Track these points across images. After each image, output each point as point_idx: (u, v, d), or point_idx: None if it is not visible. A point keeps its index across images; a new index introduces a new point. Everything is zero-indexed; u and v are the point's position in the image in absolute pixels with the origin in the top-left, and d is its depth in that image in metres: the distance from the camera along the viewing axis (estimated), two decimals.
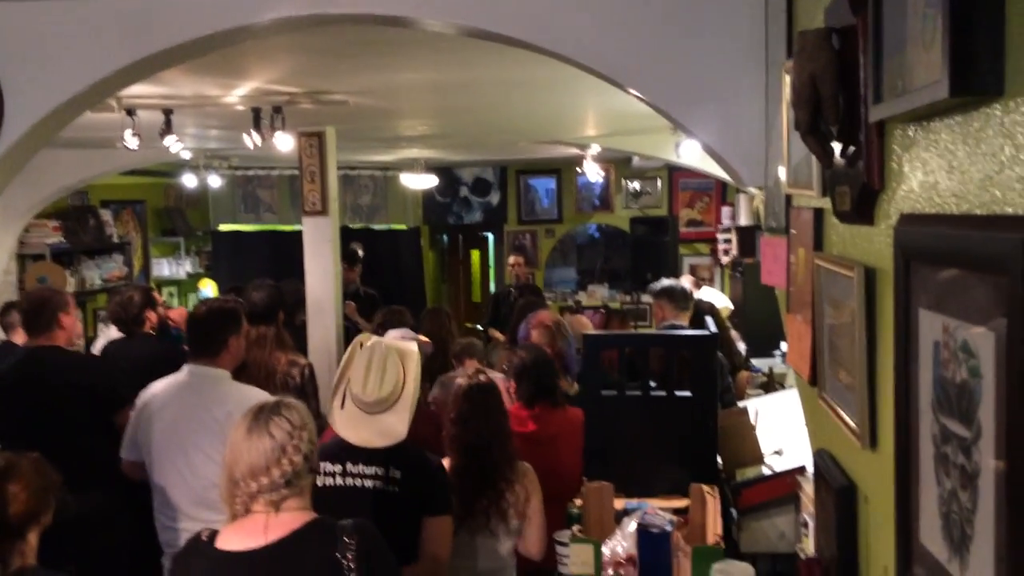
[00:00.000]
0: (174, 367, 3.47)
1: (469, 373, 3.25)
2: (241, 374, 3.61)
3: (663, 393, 3.42)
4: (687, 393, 3.39)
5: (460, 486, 2.92)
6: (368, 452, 2.65)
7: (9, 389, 3.88)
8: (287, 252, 9.41)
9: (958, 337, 1.11)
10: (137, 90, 4.43)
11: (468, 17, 2.60)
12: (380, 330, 4.42)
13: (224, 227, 10.66)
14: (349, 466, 2.66)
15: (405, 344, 2.87)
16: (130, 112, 4.84)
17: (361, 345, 2.80)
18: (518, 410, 3.52)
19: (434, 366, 5.01)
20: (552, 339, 4.24)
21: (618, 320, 6.05)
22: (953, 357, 1.13)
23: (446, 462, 2.94)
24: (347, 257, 7.32)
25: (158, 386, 3.42)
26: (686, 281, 6.30)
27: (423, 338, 4.04)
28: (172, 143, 5.15)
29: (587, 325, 5.65)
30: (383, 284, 8.95)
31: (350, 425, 2.67)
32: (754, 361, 6.24)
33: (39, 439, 3.11)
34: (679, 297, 5.01)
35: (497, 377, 3.50)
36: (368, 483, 2.64)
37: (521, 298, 7.05)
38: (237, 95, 4.75)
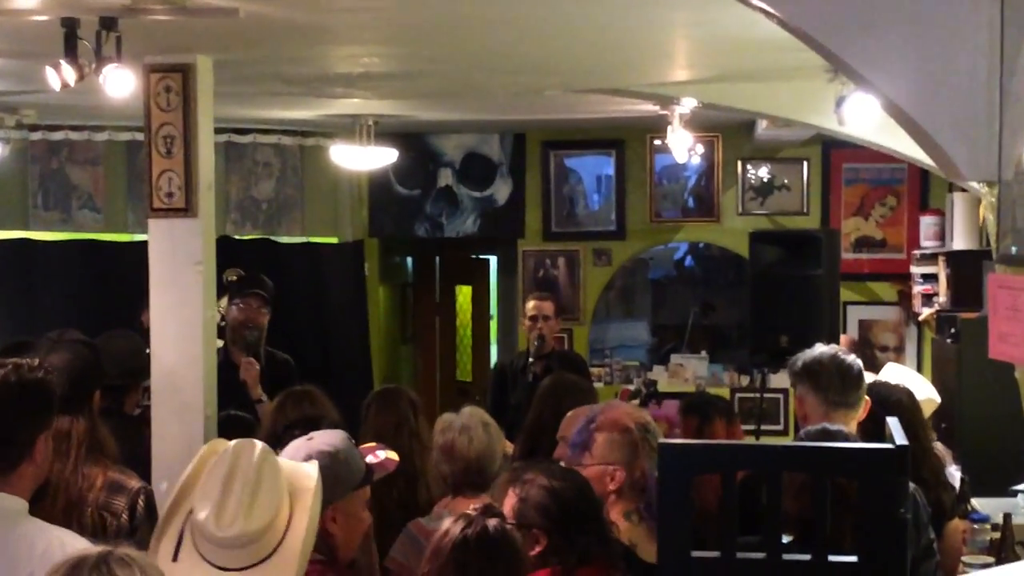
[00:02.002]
0: None
1: (466, 511, 3.31)
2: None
3: (806, 557, 3.41)
4: (850, 559, 3.38)
5: None
6: None
7: None
8: (118, 282, 9.40)
9: None
10: None
11: None
12: (282, 435, 4.45)
13: (4, 234, 10.72)
14: None
15: (299, 466, 3.00)
16: None
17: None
18: None
19: (392, 494, 5.03)
20: (633, 455, 4.26)
21: (723, 420, 6.00)
22: None
23: None
24: (250, 284, 7.53)
25: None
26: (851, 350, 6.29)
27: (389, 454, 4.03)
28: None
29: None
30: (293, 343, 8.94)
31: None
32: (976, 502, 6.19)
33: None
34: (839, 380, 5.01)
35: None
36: None
37: (547, 375, 6.99)
38: None
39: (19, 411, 3.46)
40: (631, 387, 7.39)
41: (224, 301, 7.62)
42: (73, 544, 3.30)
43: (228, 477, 2.79)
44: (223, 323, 7.49)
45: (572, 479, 3.77)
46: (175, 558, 2.79)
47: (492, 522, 3.20)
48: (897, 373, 7.21)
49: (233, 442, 2.94)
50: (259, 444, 2.96)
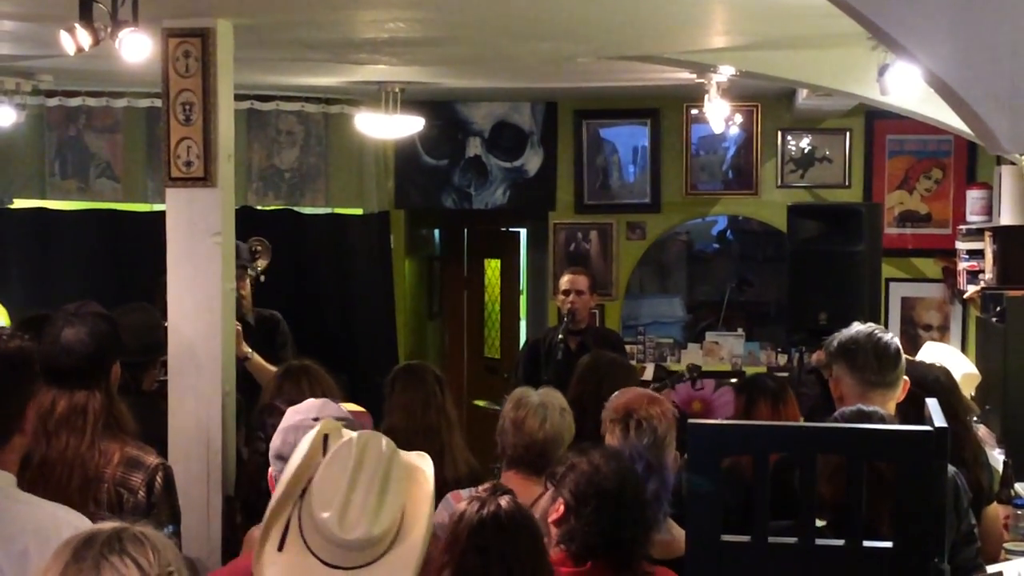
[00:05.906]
0: None
1: (478, 491, 3.35)
2: (30, 480, 3.69)
3: (840, 543, 3.42)
4: (885, 544, 3.39)
5: None
6: None
7: None
8: (137, 253, 9.42)
9: None
10: None
11: None
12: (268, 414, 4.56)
13: (20, 203, 10.74)
14: None
15: (412, 459, 2.99)
16: None
17: (326, 439, 2.90)
18: (556, 563, 3.60)
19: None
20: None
21: (767, 403, 5.98)
22: None
23: None
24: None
25: None
26: (892, 329, 6.29)
27: (353, 407, 4.08)
28: None
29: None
30: (317, 318, 8.93)
31: None
32: (1021, 487, 6.18)
33: None
34: (878, 359, 5.00)
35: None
36: None
37: (582, 351, 7.00)
38: None
39: (6, 382, 3.42)
40: (655, 384, 7.37)
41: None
42: (66, 518, 3.34)
43: (354, 474, 2.78)
44: None
45: (603, 468, 3.80)
46: (280, 547, 2.78)
47: (503, 502, 3.20)
48: (936, 351, 7.20)
49: (357, 433, 2.92)
50: (384, 438, 2.94)
